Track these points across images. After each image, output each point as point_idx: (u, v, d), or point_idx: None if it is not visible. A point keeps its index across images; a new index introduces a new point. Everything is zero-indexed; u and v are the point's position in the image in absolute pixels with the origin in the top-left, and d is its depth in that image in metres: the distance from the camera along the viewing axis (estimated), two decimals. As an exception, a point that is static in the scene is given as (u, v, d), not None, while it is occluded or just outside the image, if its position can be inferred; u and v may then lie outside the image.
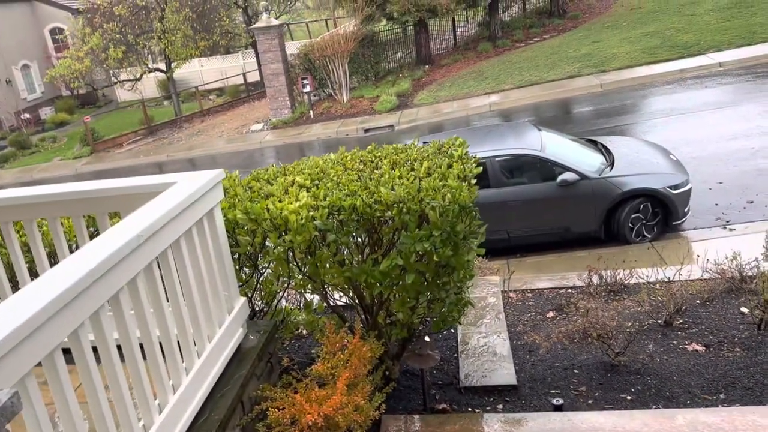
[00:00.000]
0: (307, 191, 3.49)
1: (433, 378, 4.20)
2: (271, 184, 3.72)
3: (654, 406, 3.56)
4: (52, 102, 33.68)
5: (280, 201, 3.43)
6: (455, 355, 4.40)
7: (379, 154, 4.00)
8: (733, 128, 11.86)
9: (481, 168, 3.75)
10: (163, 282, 2.83)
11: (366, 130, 18.99)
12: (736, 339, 4.37)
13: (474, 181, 3.61)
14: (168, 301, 2.85)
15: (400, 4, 20.76)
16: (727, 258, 5.97)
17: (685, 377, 3.92)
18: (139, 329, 2.62)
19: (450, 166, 3.58)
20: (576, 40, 21.90)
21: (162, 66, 26.80)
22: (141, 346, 2.60)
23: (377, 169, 3.66)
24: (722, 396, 3.66)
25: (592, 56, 19.57)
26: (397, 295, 3.46)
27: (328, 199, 3.32)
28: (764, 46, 17.12)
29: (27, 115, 30.44)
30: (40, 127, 30.51)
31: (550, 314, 5.69)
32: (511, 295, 6.58)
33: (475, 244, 3.59)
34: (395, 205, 3.21)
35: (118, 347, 2.46)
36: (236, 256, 3.91)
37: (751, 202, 8.98)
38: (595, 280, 6.23)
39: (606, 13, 24.52)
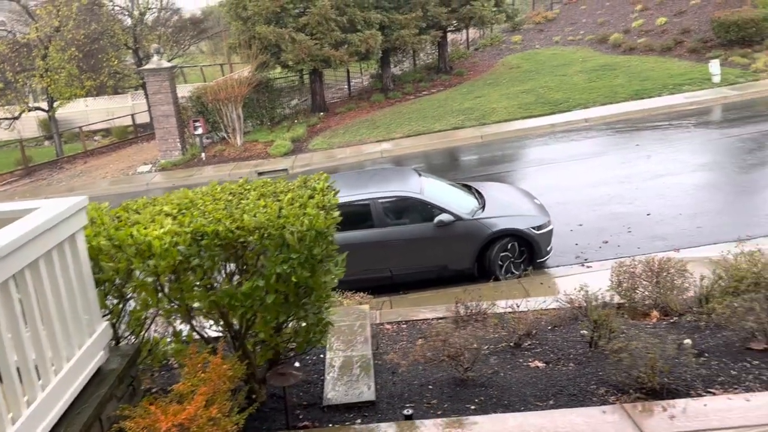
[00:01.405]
0: (173, 219, 3.65)
1: (300, 399, 4.39)
2: (139, 214, 3.86)
3: (492, 413, 3.96)
4: None
5: (145, 228, 3.57)
6: (322, 377, 4.63)
7: (249, 186, 4.25)
8: (594, 177, 13.14)
9: (337, 197, 4.05)
10: (21, 303, 2.89)
11: (260, 174, 19.07)
12: (571, 356, 4.92)
13: (336, 213, 3.92)
14: (25, 320, 2.90)
15: (294, 53, 21.31)
16: (575, 289, 6.63)
17: (523, 388, 4.38)
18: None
19: (312, 197, 3.88)
20: (461, 94, 23.37)
21: (43, 105, 25.62)
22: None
23: (244, 200, 3.90)
24: (551, 402, 4.13)
25: (475, 110, 20.95)
26: (259, 316, 3.66)
27: (192, 225, 3.50)
28: (624, 105, 19.15)
29: None
30: None
31: (419, 341, 6.04)
32: (387, 326, 6.93)
33: (333, 267, 3.87)
34: (257, 231, 3.46)
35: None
36: (104, 285, 3.97)
37: (606, 242, 9.95)
38: (462, 310, 6.69)
39: (488, 71, 26.38)
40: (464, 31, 29.84)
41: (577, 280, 7.95)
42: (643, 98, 19.37)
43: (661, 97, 19.17)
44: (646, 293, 6.80)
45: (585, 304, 6.05)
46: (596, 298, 5.60)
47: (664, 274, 6.86)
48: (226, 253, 3.60)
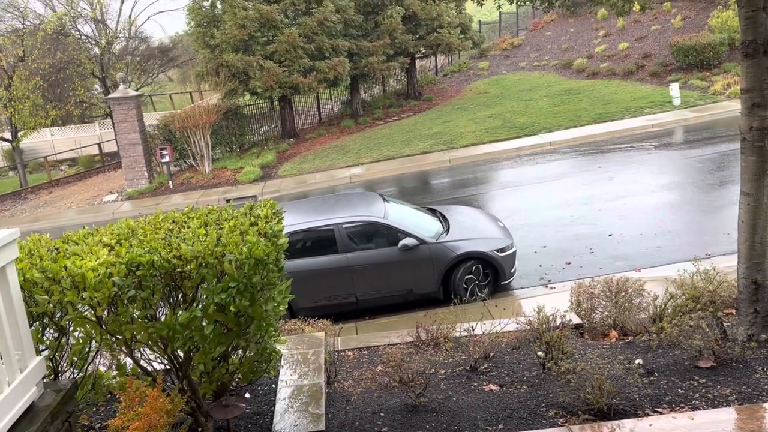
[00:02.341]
0: (111, 250, 3.58)
1: (248, 431, 4.29)
2: (78, 245, 3.78)
3: (442, 439, 3.93)
4: None
5: (81, 260, 3.49)
6: (273, 408, 4.53)
7: (193, 215, 4.20)
8: (558, 199, 13.30)
9: (282, 225, 4.02)
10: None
11: (228, 200, 18.90)
12: (525, 378, 4.91)
13: (282, 240, 3.89)
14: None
15: (262, 80, 21.37)
16: (534, 311, 6.64)
17: (474, 412, 4.35)
18: None
19: (254, 224, 3.84)
20: (429, 119, 23.62)
21: (7, 135, 25.23)
22: None
23: (186, 228, 3.85)
24: (500, 426, 4.10)
25: (443, 134, 21.16)
26: (200, 347, 3.58)
27: (127, 255, 3.44)
28: (588, 128, 19.50)
29: None
30: None
31: (379, 368, 5.99)
32: (349, 353, 6.85)
33: (276, 295, 3.82)
34: (194, 260, 3.40)
35: None
36: (42, 320, 3.86)
37: (569, 263, 10.03)
38: (423, 335, 6.66)
39: (456, 97, 26.74)
40: (432, 57, 30.29)
41: (540, 302, 8.01)
42: (606, 121, 19.77)
43: (623, 120, 19.59)
44: (606, 313, 6.86)
45: (539, 326, 6.07)
46: (552, 320, 5.62)
47: (623, 294, 6.92)
48: (165, 283, 3.53)
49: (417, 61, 28.16)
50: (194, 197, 19.59)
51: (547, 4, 8.41)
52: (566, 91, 23.89)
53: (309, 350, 4.99)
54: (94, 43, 29.54)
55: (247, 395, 4.54)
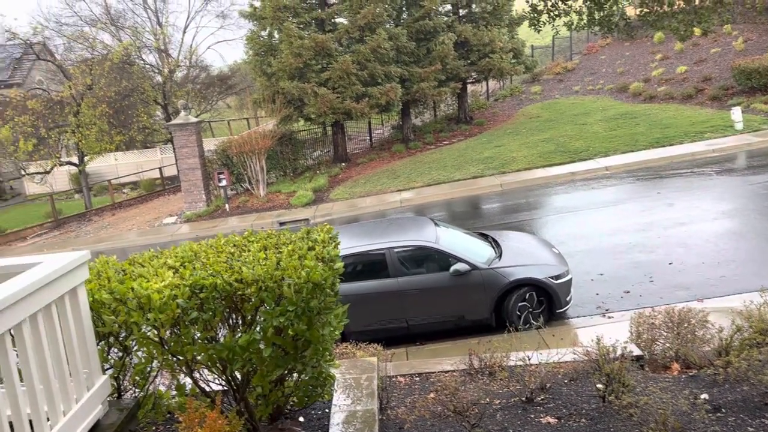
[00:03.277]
0: (175, 272, 3.70)
1: (302, 457, 4.31)
2: (144, 267, 3.91)
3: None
4: (-47, 194, 32.27)
5: (147, 281, 3.62)
6: (326, 434, 4.54)
7: (253, 239, 4.30)
8: (615, 225, 12.97)
9: (339, 249, 4.06)
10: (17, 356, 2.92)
11: (281, 224, 19.27)
12: (584, 411, 4.76)
13: (338, 264, 3.93)
14: (20, 374, 2.93)
15: (316, 106, 21.82)
16: (592, 341, 6.46)
17: (531, 445, 4.25)
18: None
19: (312, 248, 3.90)
20: (480, 144, 23.54)
21: (75, 159, 26.49)
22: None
23: (246, 252, 3.94)
24: (559, 460, 3.99)
25: (495, 159, 21.04)
26: (258, 369, 3.64)
27: (191, 278, 3.54)
28: (645, 153, 19.04)
29: (-77, 207, 28.91)
30: (-64, 219, 28.93)
31: (432, 395, 5.92)
32: (400, 379, 6.80)
33: (332, 320, 3.85)
34: (254, 283, 3.48)
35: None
36: (108, 340, 4.00)
37: (628, 292, 9.74)
38: (476, 363, 6.56)
39: (508, 121, 26.61)
40: (484, 82, 30.30)
41: (597, 332, 7.79)
42: (664, 146, 19.27)
43: (682, 145, 19.05)
44: (667, 345, 6.61)
45: (599, 357, 5.89)
46: (612, 351, 5.45)
47: (685, 325, 6.67)
48: (225, 306, 3.62)
49: (468, 85, 28.22)
50: (249, 220, 20.02)
51: (606, 29, 8.31)
52: (622, 115, 23.44)
53: (362, 375, 4.99)
54: (157, 71, 30.86)
55: (302, 419, 4.56)
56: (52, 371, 3.08)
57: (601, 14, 8.05)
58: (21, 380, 2.96)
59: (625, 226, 12.72)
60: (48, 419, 3.05)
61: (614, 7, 8.57)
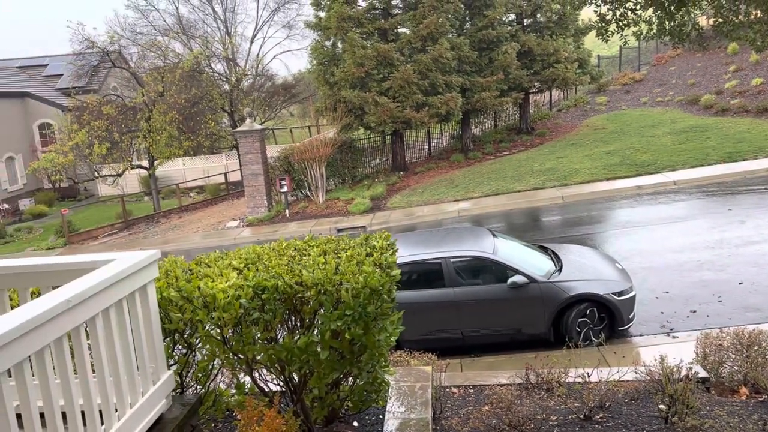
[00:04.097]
0: (239, 273, 3.82)
1: (355, 461, 4.34)
2: (210, 267, 4.06)
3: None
4: (32, 194, 34.17)
5: (213, 281, 3.75)
6: (380, 440, 4.56)
7: (313, 243, 4.39)
8: (682, 241, 12.50)
9: (397, 255, 4.08)
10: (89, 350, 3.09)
11: (339, 230, 19.50)
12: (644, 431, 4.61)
13: (395, 271, 3.96)
14: (93, 366, 3.09)
15: (377, 115, 22.01)
16: (655, 360, 6.25)
17: (588, 463, 4.14)
18: (62, 388, 2.85)
19: (370, 254, 3.95)
20: (542, 155, 23.16)
21: (145, 163, 27.64)
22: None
23: (306, 256, 4.03)
24: (618, 481, 3.87)
25: (556, 170, 20.65)
26: (315, 372, 3.70)
27: (254, 279, 3.65)
28: (716, 168, 18.29)
29: (6, 206, 30.76)
30: (17, 217, 30.74)
31: (486, 408, 5.86)
32: (454, 390, 6.76)
33: (388, 326, 3.88)
34: (314, 286, 3.55)
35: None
36: (173, 336, 4.15)
37: (694, 311, 9.36)
38: (532, 377, 6.45)
39: (571, 132, 26.07)
40: (547, 92, 29.83)
41: (661, 351, 7.53)
42: (737, 161, 18.45)
43: (756, 160, 18.19)
44: (735, 368, 6.33)
45: (662, 377, 5.70)
46: (676, 371, 5.26)
47: (756, 348, 6.37)
48: (285, 308, 3.70)
49: (531, 95, 27.85)
50: (308, 226, 20.35)
51: (677, 39, 8.04)
52: (692, 128, 22.59)
53: (416, 384, 4.99)
54: (225, 80, 31.89)
55: (356, 423, 4.60)
56: (121, 364, 3.23)
57: (672, 24, 7.80)
58: (93, 372, 3.12)
59: (694, 243, 12.24)
60: (116, 410, 3.19)
61: (686, 17, 8.28)
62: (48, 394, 2.75)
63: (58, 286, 3.72)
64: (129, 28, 33.04)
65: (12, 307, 3.91)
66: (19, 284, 3.77)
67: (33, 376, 2.75)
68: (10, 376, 2.59)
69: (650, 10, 8.19)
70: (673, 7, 7.73)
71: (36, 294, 4.00)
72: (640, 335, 9.04)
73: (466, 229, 12.59)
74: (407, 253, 9.36)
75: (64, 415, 2.88)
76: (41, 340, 2.68)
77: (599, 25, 8.73)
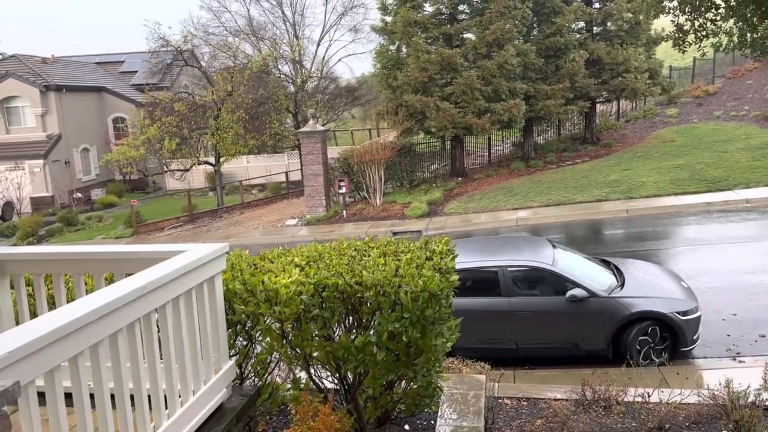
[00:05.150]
0: (301, 270, 3.90)
1: (406, 464, 4.35)
2: (273, 263, 4.16)
3: None
4: (104, 184, 35.78)
5: (276, 276, 3.85)
6: (431, 445, 4.55)
7: (372, 244, 4.43)
8: (753, 262, 11.93)
9: (457, 261, 4.07)
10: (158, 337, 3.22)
11: (394, 233, 19.54)
12: (707, 457, 4.43)
13: (454, 277, 3.96)
14: (161, 351, 3.22)
15: (437, 120, 21.98)
16: (720, 384, 6.01)
17: (646, 485, 4.00)
18: (131, 372, 2.99)
19: (429, 258, 3.96)
20: (607, 166, 22.56)
21: (211, 159, 28.50)
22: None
23: (366, 257, 4.07)
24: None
25: (621, 183, 20.08)
26: (370, 372, 3.74)
27: (316, 277, 3.72)
28: (793, 187, 17.40)
29: (79, 195, 32.30)
30: (89, 206, 32.24)
31: (539, 422, 5.77)
32: (507, 401, 6.67)
33: (445, 331, 3.87)
34: (373, 287, 3.59)
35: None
36: (236, 328, 4.28)
37: (764, 336, 8.93)
38: (589, 394, 6.30)
39: (639, 144, 25.31)
40: (615, 102, 29.06)
41: (726, 375, 7.21)
42: (817, 180, 17.49)
43: (840, 180, 17.20)
44: (808, 398, 6.00)
45: (728, 402, 5.47)
46: (742, 396, 5.03)
47: (832, 378, 6.02)
48: (344, 307, 3.76)
49: (597, 105, 27.18)
50: (364, 227, 20.49)
51: (759, 52, 7.70)
52: (768, 144, 21.57)
53: (469, 392, 4.96)
54: (290, 81, 32.54)
55: (407, 427, 4.61)
56: (187, 352, 3.35)
57: (755, 36, 7.45)
58: (160, 358, 3.26)
59: (765, 265, 11.67)
60: (179, 396, 3.32)
61: (769, 29, 7.93)
62: (119, 377, 2.89)
63: (130, 274, 3.90)
64: (202, 29, 34.12)
65: (87, 292, 4.12)
66: (95, 270, 3.97)
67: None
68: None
69: (731, 22, 7.87)
70: (755, 19, 7.40)
71: (109, 280, 4.19)
72: (704, 357, 8.69)
73: (525, 239, 12.41)
74: (463, 259, 9.23)
75: (131, 398, 3.01)
76: (116, 323, 2.83)
77: (676, 35, 8.45)
